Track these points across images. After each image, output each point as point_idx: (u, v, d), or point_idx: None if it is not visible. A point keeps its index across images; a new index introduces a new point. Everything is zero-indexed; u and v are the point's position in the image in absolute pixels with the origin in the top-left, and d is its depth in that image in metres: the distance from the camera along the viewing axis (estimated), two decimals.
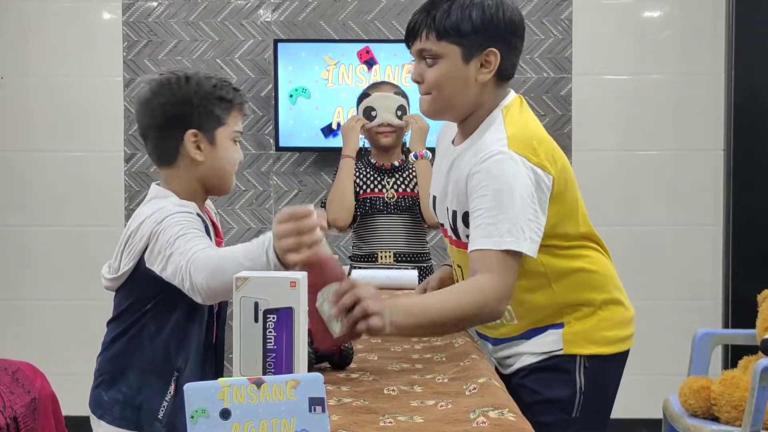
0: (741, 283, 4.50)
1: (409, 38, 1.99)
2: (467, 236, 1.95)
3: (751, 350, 3.45)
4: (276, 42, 4.46)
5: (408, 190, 3.34)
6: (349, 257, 3.44)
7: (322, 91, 4.45)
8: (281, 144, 4.48)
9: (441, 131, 2.25)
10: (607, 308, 2.11)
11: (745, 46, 4.50)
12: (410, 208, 3.32)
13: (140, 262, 1.91)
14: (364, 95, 3.38)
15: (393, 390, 1.63)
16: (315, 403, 1.28)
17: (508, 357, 2.13)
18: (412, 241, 3.33)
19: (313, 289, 1.62)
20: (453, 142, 2.12)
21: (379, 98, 3.30)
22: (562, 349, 2.04)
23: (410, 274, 3.05)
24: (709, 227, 4.62)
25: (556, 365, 2.05)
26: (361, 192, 3.34)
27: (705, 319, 4.53)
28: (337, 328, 1.66)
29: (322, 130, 4.47)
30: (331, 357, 1.81)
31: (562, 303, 2.04)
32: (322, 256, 1.68)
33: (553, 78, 4.59)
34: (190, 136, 1.93)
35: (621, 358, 2.17)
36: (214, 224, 2.09)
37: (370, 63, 4.46)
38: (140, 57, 4.60)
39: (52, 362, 3.75)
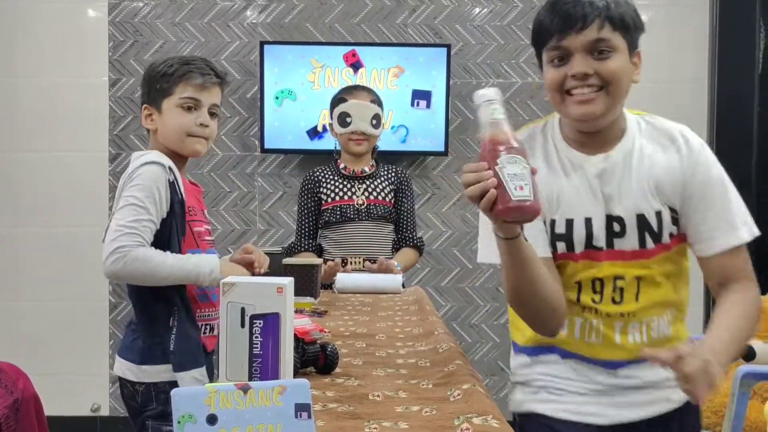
0: None
1: (575, 26, 1.72)
2: (670, 235, 1.84)
3: None
4: (262, 44, 4.47)
5: (379, 198, 3.34)
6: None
7: (308, 93, 4.46)
8: (266, 146, 4.49)
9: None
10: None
11: (729, 53, 4.54)
12: (381, 216, 3.31)
13: None
14: (340, 99, 3.34)
15: (378, 395, 1.64)
16: (301, 409, 1.29)
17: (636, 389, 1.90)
18: (382, 247, 3.33)
19: (496, 154, 1.52)
20: (564, 158, 1.87)
21: (355, 106, 3.27)
22: None
23: (395, 279, 3.07)
24: None
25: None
26: (330, 200, 3.32)
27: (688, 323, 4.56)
28: (517, 194, 1.51)
29: (308, 132, 4.48)
30: (316, 362, 1.82)
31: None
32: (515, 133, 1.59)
33: (539, 83, 4.61)
34: (143, 110, 2.33)
35: None
36: (196, 187, 2.43)
37: (356, 66, 4.46)
38: (126, 57, 4.59)
39: (37, 363, 3.74)
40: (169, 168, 2.22)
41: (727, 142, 4.56)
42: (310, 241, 3.35)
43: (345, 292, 3.07)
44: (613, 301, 1.84)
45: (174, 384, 2.16)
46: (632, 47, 1.78)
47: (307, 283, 2.76)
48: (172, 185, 2.20)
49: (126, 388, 2.27)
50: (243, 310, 1.52)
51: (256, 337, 1.53)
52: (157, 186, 2.16)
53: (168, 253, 2.15)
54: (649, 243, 1.84)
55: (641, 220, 1.82)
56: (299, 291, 2.69)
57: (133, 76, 4.58)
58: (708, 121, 4.60)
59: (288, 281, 1.54)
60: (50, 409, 3.30)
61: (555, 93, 1.78)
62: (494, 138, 1.54)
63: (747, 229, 1.86)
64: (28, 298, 4.64)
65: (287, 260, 2.84)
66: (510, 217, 1.54)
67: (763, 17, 4.60)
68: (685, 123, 4.22)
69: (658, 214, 1.83)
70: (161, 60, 2.34)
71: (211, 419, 1.25)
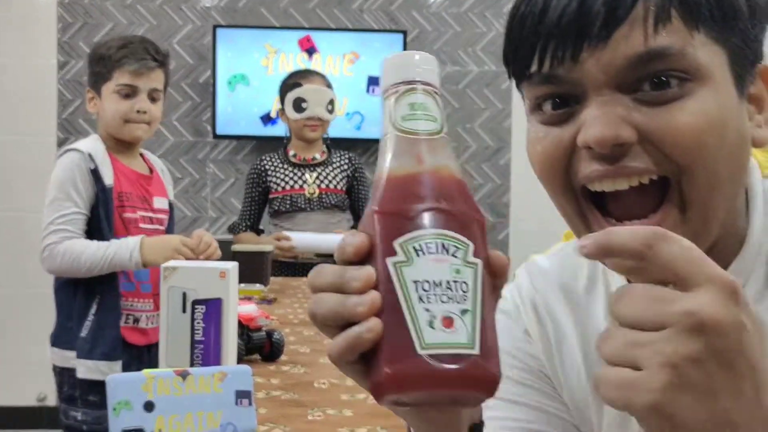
0: None
1: (608, 30, 0.75)
2: None
3: None
4: (215, 28, 4.40)
5: (331, 186, 3.26)
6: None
7: (262, 78, 4.40)
8: (219, 131, 4.42)
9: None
10: None
11: None
12: (334, 205, 3.24)
13: None
14: (294, 84, 3.26)
15: (324, 383, 1.61)
16: (242, 395, 1.25)
17: None
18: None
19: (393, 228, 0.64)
20: None
21: (311, 91, 3.19)
22: None
23: (334, 240, 2.99)
24: None
25: None
26: (279, 189, 3.24)
27: None
28: (433, 337, 0.80)
29: (261, 118, 4.42)
30: (261, 349, 1.78)
31: None
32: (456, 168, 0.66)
33: (495, 71, 4.60)
34: (87, 92, 2.32)
35: None
36: (151, 169, 2.44)
37: (310, 51, 4.41)
38: (75, 39, 4.49)
39: None
40: (90, 155, 2.20)
41: None
42: (254, 223, 3.29)
43: (304, 252, 3.04)
44: None
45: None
46: (741, 64, 0.78)
47: (257, 269, 2.72)
48: (94, 172, 2.18)
49: (54, 369, 2.28)
50: (185, 295, 1.48)
51: (198, 323, 1.48)
52: (74, 175, 2.17)
53: (92, 242, 2.15)
54: None
55: None
56: (249, 278, 2.65)
57: (82, 59, 4.48)
58: None
59: (231, 266, 1.50)
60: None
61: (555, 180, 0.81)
62: (398, 180, 0.62)
63: None
64: None
65: (236, 247, 2.80)
66: (408, 389, 0.58)
67: None
68: None
69: None
70: (104, 41, 2.32)
71: (148, 406, 1.21)
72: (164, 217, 2.38)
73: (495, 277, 0.60)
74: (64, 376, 2.23)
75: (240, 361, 1.66)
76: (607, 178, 0.75)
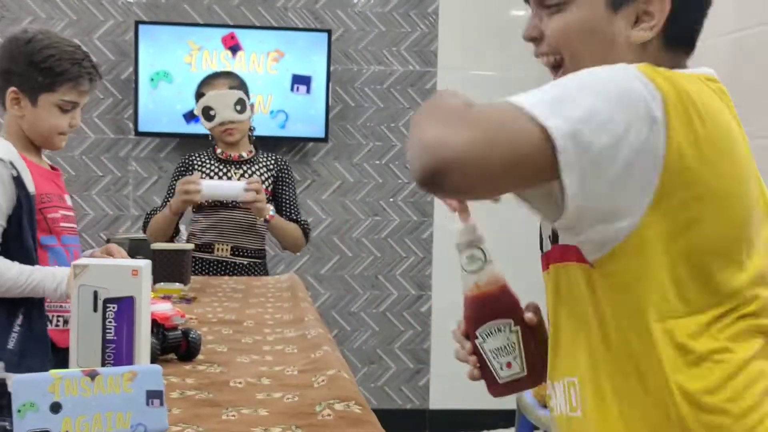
0: None
1: None
2: (548, 237, 1.24)
3: None
4: (137, 23, 4.33)
5: None
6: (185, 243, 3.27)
7: (185, 75, 4.35)
8: (141, 129, 4.35)
9: None
10: None
11: None
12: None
13: None
14: (199, 95, 3.20)
15: (240, 382, 1.59)
16: (153, 396, 1.24)
17: None
18: (251, 236, 3.20)
19: (474, 322, 1.25)
20: None
21: (214, 97, 3.13)
22: None
23: (238, 185, 2.98)
24: None
25: None
26: None
27: None
28: (504, 373, 1.25)
29: (184, 115, 4.36)
30: (177, 348, 1.76)
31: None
32: (500, 281, 1.26)
33: (419, 71, 4.61)
34: (10, 92, 2.15)
35: None
36: (54, 169, 2.33)
37: (234, 49, 4.38)
38: None
39: None
40: (11, 163, 2.08)
41: None
42: None
43: (208, 198, 3.04)
44: None
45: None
46: None
47: (177, 268, 2.68)
48: (17, 180, 2.07)
49: None
50: (96, 294, 1.45)
51: (110, 322, 1.46)
52: None
53: (14, 264, 2.03)
54: None
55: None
56: (169, 277, 2.62)
57: None
58: None
59: (144, 263, 1.48)
60: None
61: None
62: (471, 298, 1.24)
63: None
64: None
65: (156, 245, 2.75)
66: (501, 395, 1.27)
67: None
68: None
69: None
70: (42, 42, 2.15)
71: (55, 407, 1.18)
72: (74, 214, 2.32)
73: (531, 325, 1.24)
74: None
75: (155, 360, 1.63)
76: (539, 56, 1.27)
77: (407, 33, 4.60)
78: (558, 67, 1.24)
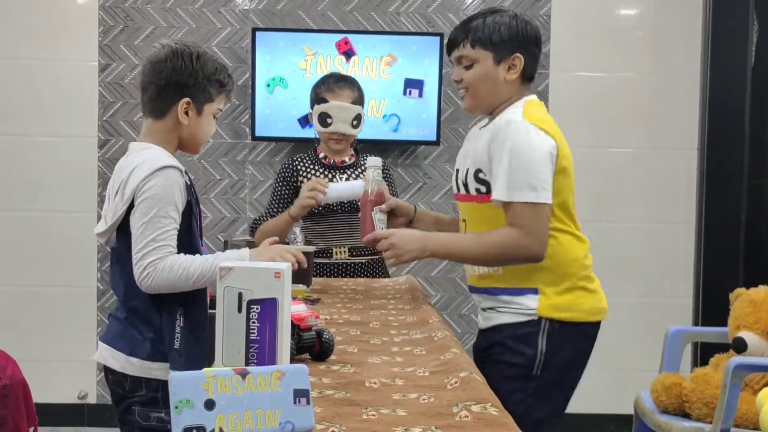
0: (712, 281, 4.55)
1: (450, 48, 2.45)
2: (476, 189, 2.38)
3: (720, 348, 3.48)
4: (254, 30, 4.43)
5: None
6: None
7: (300, 81, 4.43)
8: (257, 133, 4.46)
9: (471, 130, 2.63)
10: (578, 284, 2.42)
11: (722, 46, 4.54)
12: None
13: (132, 204, 2.13)
14: (321, 99, 3.24)
15: (374, 382, 1.63)
16: (300, 394, 1.28)
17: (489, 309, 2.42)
18: None
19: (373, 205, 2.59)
20: (480, 128, 2.49)
21: (335, 108, 3.19)
22: (535, 310, 2.34)
23: (358, 184, 3.00)
24: (682, 225, 4.66)
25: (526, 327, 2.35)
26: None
27: (675, 316, 4.56)
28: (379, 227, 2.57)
29: (299, 120, 4.45)
30: (311, 348, 1.81)
31: (538, 267, 2.32)
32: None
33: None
34: (183, 102, 2.22)
35: (584, 328, 2.44)
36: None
37: (348, 54, 4.44)
38: (116, 42, 4.55)
39: (21, 349, 3.70)
40: (185, 171, 2.21)
41: (719, 135, 4.56)
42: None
43: (333, 200, 3.09)
44: None
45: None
46: (501, 56, 2.36)
47: (300, 270, 2.73)
48: (189, 187, 2.19)
49: (112, 374, 2.25)
50: (240, 295, 1.51)
51: (253, 323, 1.51)
52: (174, 192, 2.13)
53: (195, 256, 2.13)
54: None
55: (466, 171, 2.44)
56: (292, 279, 2.66)
57: (123, 61, 4.54)
58: (700, 115, 4.60)
59: (285, 266, 1.53)
60: (36, 396, 3.28)
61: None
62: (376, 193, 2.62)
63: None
64: (11, 283, 4.60)
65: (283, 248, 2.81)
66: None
67: (757, 11, 4.60)
68: (676, 116, 4.54)
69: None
70: (208, 56, 2.30)
71: (209, 404, 1.23)
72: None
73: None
74: (136, 382, 2.22)
75: (291, 360, 1.68)
76: (459, 90, 2.45)
77: None
78: (462, 96, 2.45)
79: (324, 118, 3.21)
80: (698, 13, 4.60)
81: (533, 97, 2.45)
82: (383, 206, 2.58)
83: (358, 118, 3.22)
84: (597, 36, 4.62)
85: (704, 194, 4.57)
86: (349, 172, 3.28)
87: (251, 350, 1.51)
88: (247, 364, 1.51)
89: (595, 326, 2.48)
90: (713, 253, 4.57)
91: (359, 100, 3.26)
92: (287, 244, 3.22)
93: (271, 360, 1.51)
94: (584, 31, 4.62)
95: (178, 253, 2.13)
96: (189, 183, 2.19)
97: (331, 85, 3.29)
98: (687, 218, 4.65)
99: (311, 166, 3.29)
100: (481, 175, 2.35)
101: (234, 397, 1.25)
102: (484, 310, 2.42)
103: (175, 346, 2.15)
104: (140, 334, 2.18)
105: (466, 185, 2.41)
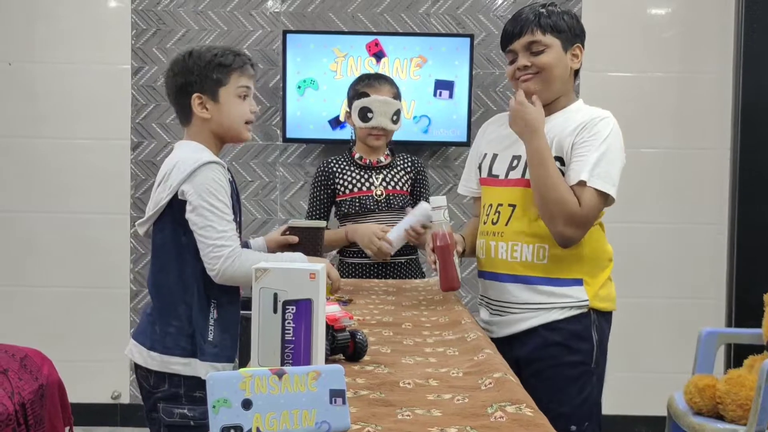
0: (743, 282, 4.52)
1: (510, 38, 2.49)
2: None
3: (754, 349, 3.45)
4: (285, 33, 4.46)
5: (397, 188, 3.26)
6: (338, 252, 3.33)
7: (330, 82, 4.45)
8: (288, 135, 4.48)
9: (487, 125, 2.76)
10: (609, 273, 2.52)
11: (754, 46, 4.50)
12: (401, 206, 3.22)
13: (175, 198, 2.22)
14: (362, 94, 3.25)
15: (409, 383, 1.63)
16: (336, 394, 1.29)
17: (524, 307, 2.47)
18: None
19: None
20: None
21: (377, 102, 3.20)
22: (587, 301, 2.43)
23: (420, 211, 2.99)
24: (713, 226, 4.63)
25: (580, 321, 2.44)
26: (347, 191, 3.25)
27: (706, 317, 4.54)
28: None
29: (330, 122, 4.47)
30: (345, 349, 1.82)
31: (582, 257, 2.43)
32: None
33: None
34: (195, 99, 2.30)
35: (610, 317, 2.55)
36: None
37: (378, 56, 4.45)
38: (149, 45, 4.59)
39: (55, 350, 3.74)
40: (228, 168, 2.28)
41: (751, 135, 4.52)
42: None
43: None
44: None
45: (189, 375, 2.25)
46: (567, 44, 2.47)
47: (312, 245, 2.75)
48: (232, 183, 2.28)
49: (139, 368, 2.30)
50: (275, 296, 1.52)
51: (289, 323, 1.52)
52: (224, 186, 2.22)
53: (262, 253, 2.30)
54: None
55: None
56: (305, 252, 2.65)
57: (155, 64, 4.58)
58: (732, 115, 4.57)
59: (320, 267, 1.54)
60: (70, 396, 3.32)
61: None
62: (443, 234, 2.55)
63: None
64: (45, 284, 4.66)
65: (293, 222, 2.82)
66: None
67: None
68: (708, 116, 4.51)
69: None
70: (202, 49, 2.35)
71: (246, 404, 1.25)
72: None
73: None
74: (159, 378, 2.27)
75: (325, 361, 1.69)
76: (520, 76, 2.51)
77: None
78: (529, 78, 2.49)
79: (365, 113, 3.22)
80: (730, 12, 4.57)
81: (581, 100, 2.58)
82: (459, 248, 2.59)
83: (398, 113, 3.23)
84: (628, 36, 4.61)
85: (737, 195, 4.54)
86: (384, 173, 3.28)
87: (286, 350, 1.53)
88: (282, 364, 1.52)
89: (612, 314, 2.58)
90: (746, 254, 4.53)
91: (398, 97, 3.27)
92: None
93: (306, 360, 1.52)
94: (615, 31, 4.61)
95: None
96: (231, 179, 2.27)
97: (371, 81, 3.31)
98: (718, 219, 4.62)
99: (347, 168, 3.29)
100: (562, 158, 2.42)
101: (271, 396, 1.26)
102: (520, 306, 2.47)
103: (209, 339, 2.24)
104: (161, 329, 2.26)
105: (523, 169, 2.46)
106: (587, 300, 2.41)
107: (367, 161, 3.29)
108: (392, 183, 3.26)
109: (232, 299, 2.30)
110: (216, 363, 2.25)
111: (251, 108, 2.37)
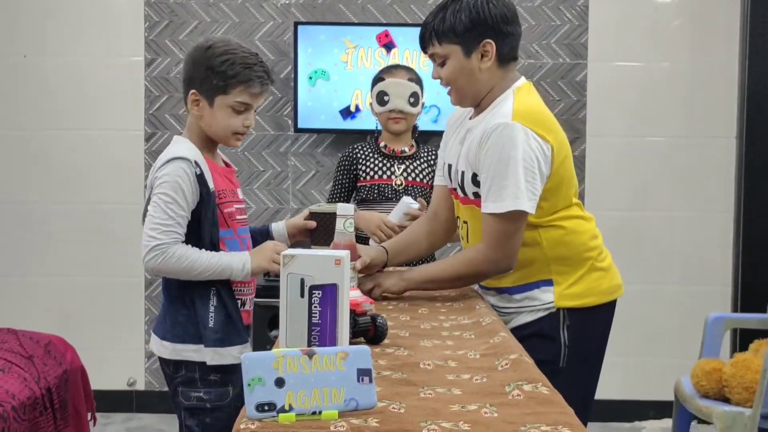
0: (750, 269, 4.58)
1: (422, 47, 2.40)
2: (473, 193, 2.36)
3: (760, 334, 3.52)
4: (296, 24, 4.52)
5: (417, 179, 3.33)
6: None
7: (341, 73, 4.51)
8: (300, 125, 4.55)
9: (452, 114, 2.63)
10: (595, 264, 2.43)
11: (760, 35, 4.55)
12: (419, 198, 3.25)
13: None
14: (378, 79, 3.36)
15: (428, 364, 1.70)
16: (363, 374, 1.36)
17: (503, 310, 2.46)
18: None
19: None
20: (470, 118, 2.47)
21: (392, 84, 3.29)
22: (553, 303, 2.38)
23: (406, 200, 3.03)
24: (720, 214, 4.69)
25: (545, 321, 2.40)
26: (368, 177, 3.33)
27: (714, 303, 4.60)
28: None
29: (341, 112, 4.53)
30: (366, 333, 1.88)
31: (553, 258, 2.38)
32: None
33: (569, 64, 4.64)
34: (191, 94, 2.33)
35: (601, 310, 2.45)
36: (228, 165, 2.52)
37: (388, 47, 4.51)
38: (161, 37, 4.65)
39: (72, 337, 3.80)
40: (195, 162, 2.28)
41: (758, 123, 4.57)
42: None
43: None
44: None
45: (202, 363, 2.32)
46: (470, 46, 2.30)
47: (330, 230, 2.79)
48: (200, 177, 2.28)
49: (161, 357, 2.39)
50: (302, 281, 1.59)
51: (315, 307, 1.59)
52: (181, 181, 2.25)
53: (202, 250, 2.27)
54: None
55: (463, 175, 2.40)
56: (324, 240, 2.69)
57: (168, 56, 4.64)
58: (739, 103, 4.62)
59: (345, 254, 1.60)
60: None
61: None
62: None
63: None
64: (62, 273, 4.73)
65: (313, 207, 2.84)
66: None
67: None
68: (715, 104, 4.45)
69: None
70: (220, 48, 2.30)
71: (279, 382, 1.32)
72: (245, 206, 2.50)
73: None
74: (177, 365, 2.35)
75: (348, 343, 1.76)
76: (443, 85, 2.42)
77: (557, 26, 4.64)
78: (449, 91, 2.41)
79: (381, 97, 3.29)
80: (737, 0, 4.61)
81: (521, 82, 2.39)
82: (357, 263, 2.36)
83: (416, 96, 3.29)
84: (635, 25, 4.66)
85: (743, 182, 4.59)
86: (407, 163, 3.34)
87: (313, 333, 1.60)
88: (309, 345, 1.59)
89: (612, 305, 2.48)
90: (752, 241, 4.59)
91: (416, 81, 3.33)
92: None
93: (332, 342, 1.59)
94: (622, 21, 4.66)
95: (186, 242, 2.27)
96: (200, 173, 2.27)
97: (388, 68, 3.44)
98: (725, 206, 4.68)
99: (371, 155, 3.36)
100: (478, 179, 2.33)
101: (302, 375, 1.33)
102: (498, 310, 2.45)
103: (210, 325, 2.30)
104: (171, 319, 2.34)
105: (463, 187, 2.40)
106: (552, 302, 2.38)
107: (391, 150, 3.35)
108: (413, 174, 3.32)
109: (231, 286, 2.37)
110: (219, 348, 2.30)
111: (246, 122, 2.35)
